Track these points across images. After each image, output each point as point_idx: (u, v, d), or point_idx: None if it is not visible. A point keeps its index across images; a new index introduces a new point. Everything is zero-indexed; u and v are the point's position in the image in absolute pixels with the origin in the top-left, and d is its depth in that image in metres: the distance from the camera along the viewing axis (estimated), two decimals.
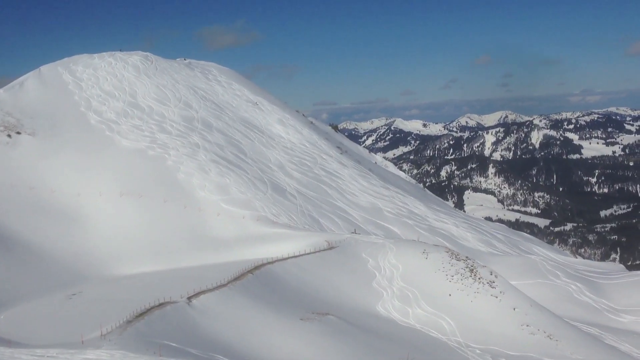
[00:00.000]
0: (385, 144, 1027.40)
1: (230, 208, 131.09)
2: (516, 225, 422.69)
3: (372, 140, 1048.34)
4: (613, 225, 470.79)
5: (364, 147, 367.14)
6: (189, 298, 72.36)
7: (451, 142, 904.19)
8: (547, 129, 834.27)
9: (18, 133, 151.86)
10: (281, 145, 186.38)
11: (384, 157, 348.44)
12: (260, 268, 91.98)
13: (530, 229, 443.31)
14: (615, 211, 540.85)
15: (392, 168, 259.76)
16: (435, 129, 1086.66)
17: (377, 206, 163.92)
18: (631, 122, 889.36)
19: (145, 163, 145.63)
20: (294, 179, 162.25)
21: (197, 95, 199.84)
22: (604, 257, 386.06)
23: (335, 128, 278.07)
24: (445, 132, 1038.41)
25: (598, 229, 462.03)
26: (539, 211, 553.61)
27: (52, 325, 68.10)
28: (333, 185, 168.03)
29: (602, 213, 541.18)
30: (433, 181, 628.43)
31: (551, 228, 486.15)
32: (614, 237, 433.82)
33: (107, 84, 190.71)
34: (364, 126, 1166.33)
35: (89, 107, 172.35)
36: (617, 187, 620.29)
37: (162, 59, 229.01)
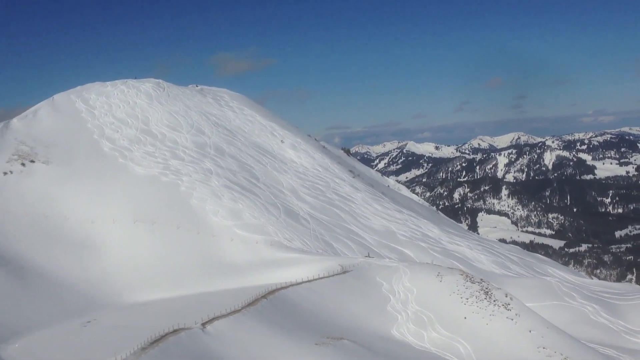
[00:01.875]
0: (397, 167, 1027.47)
1: (244, 233, 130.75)
2: (530, 247, 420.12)
3: (385, 164, 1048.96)
4: (628, 245, 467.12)
5: (376, 170, 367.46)
6: (203, 324, 72.21)
7: (464, 165, 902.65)
8: (560, 149, 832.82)
9: (32, 162, 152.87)
10: (293, 169, 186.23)
11: (397, 180, 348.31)
12: (274, 293, 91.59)
13: (545, 250, 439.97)
14: (630, 231, 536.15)
15: (405, 191, 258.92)
16: (448, 151, 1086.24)
17: (390, 229, 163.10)
18: None
19: (158, 189, 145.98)
20: (307, 203, 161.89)
21: (209, 121, 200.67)
22: (620, 278, 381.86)
23: (348, 152, 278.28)
24: (458, 154, 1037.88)
25: (613, 250, 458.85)
26: (553, 232, 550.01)
27: (67, 352, 68.01)
28: (346, 209, 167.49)
29: (617, 233, 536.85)
30: (446, 203, 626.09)
31: (566, 249, 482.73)
32: (630, 257, 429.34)
33: (120, 112, 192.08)
34: (376, 149, 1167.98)
35: (102, 134, 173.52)
36: (632, 207, 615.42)
37: (174, 85, 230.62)
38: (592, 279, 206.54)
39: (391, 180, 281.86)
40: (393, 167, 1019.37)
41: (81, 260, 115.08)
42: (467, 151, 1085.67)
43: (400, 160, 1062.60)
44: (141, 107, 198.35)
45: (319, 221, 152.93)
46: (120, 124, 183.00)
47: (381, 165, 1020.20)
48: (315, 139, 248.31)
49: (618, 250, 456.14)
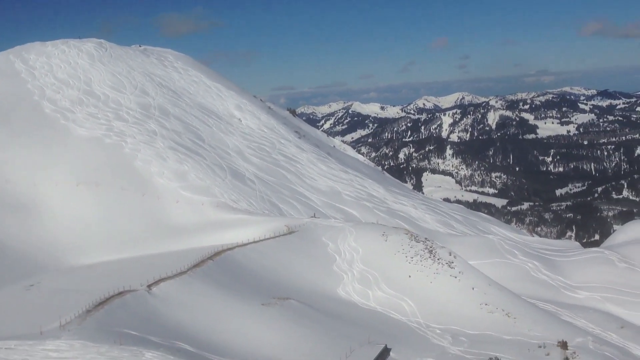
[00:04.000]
0: (343, 127, 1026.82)
1: (189, 195, 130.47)
2: (474, 206, 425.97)
3: (330, 124, 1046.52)
4: (568, 203, 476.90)
5: (322, 131, 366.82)
6: (149, 286, 71.94)
7: (409, 125, 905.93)
8: (503, 109, 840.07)
9: None
10: (239, 131, 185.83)
11: (343, 141, 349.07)
12: (220, 254, 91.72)
13: (488, 209, 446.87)
14: (570, 190, 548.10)
15: (350, 151, 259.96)
16: (393, 111, 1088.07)
17: (336, 190, 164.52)
18: (585, 102, 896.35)
19: (101, 151, 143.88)
20: (253, 165, 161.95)
21: (153, 82, 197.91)
22: (560, 235, 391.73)
23: (293, 112, 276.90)
24: (403, 114, 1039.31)
25: (554, 208, 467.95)
26: (496, 191, 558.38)
27: (9, 316, 66.96)
28: (292, 170, 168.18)
29: (558, 192, 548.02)
30: (391, 164, 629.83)
31: (508, 208, 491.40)
32: (570, 215, 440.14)
33: (61, 72, 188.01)
34: (322, 110, 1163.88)
35: (43, 95, 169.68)
36: (572, 166, 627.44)
37: (116, 46, 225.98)
38: (533, 236, 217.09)
39: (337, 141, 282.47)
40: (339, 128, 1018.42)
41: (24, 224, 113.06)
42: (412, 111, 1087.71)
43: (346, 121, 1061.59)
44: (83, 67, 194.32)
45: (264, 182, 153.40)
46: (61, 84, 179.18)
47: (327, 125, 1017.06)
48: (261, 100, 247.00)
49: (558, 208, 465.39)
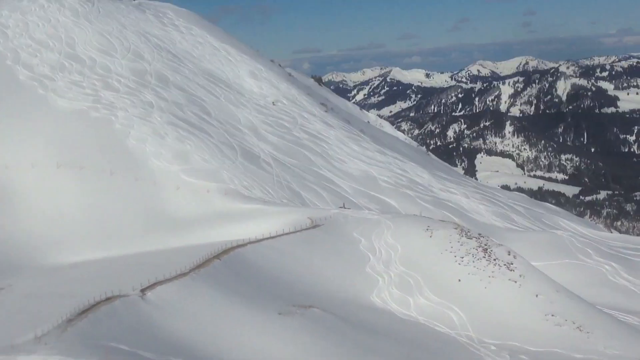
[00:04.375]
0: (380, 99, 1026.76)
1: (192, 180, 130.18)
2: (539, 195, 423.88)
3: (364, 95, 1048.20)
4: None
5: (354, 103, 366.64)
6: (143, 290, 71.78)
7: (460, 96, 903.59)
8: (576, 77, 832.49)
9: None
10: (253, 102, 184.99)
11: (379, 115, 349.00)
12: (229, 252, 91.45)
13: (556, 198, 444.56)
14: None
15: (388, 128, 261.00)
16: (441, 79, 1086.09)
17: (370, 175, 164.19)
18: None
19: (87, 127, 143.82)
20: (270, 144, 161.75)
21: (149, 43, 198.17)
22: None
23: (319, 81, 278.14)
24: (453, 83, 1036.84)
25: (638, 198, 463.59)
26: (567, 177, 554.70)
27: None
28: (317, 151, 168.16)
29: None
30: (438, 143, 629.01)
31: (581, 197, 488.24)
32: None
33: (39, 32, 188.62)
34: (354, 78, 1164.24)
35: (17, 59, 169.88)
36: None
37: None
38: (611, 232, 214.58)
39: (372, 115, 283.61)
40: (374, 99, 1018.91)
41: None
42: (464, 79, 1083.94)
43: (383, 91, 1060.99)
44: (65, 26, 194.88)
45: (284, 165, 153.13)
46: (39, 46, 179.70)
47: (360, 96, 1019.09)
48: (280, 66, 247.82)
49: None
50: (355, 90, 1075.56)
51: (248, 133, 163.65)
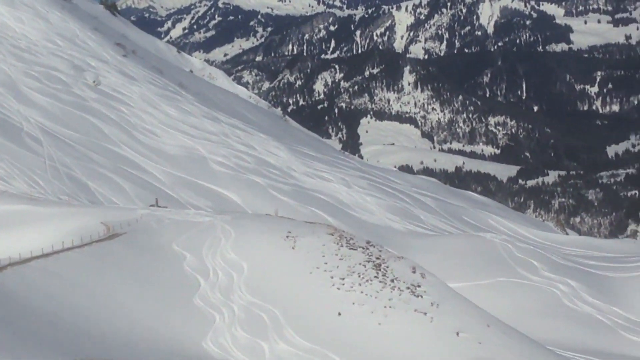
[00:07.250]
0: (209, 34, 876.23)
1: None
2: (457, 179, 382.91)
3: (184, 29, 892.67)
4: (630, 171, 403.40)
5: (168, 42, 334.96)
6: None
7: (332, 29, 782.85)
8: None
9: None
10: (7, 44, 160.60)
11: (208, 61, 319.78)
12: None
13: (483, 184, 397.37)
14: (633, 145, 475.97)
15: (223, 80, 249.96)
16: (303, 3, 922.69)
17: (197, 154, 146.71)
18: None
19: None
20: (37, 109, 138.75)
21: None
22: (617, 231, 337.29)
23: (113, 7, 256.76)
24: (322, 8, 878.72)
25: (604, 180, 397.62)
26: (498, 151, 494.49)
27: None
28: (112, 118, 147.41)
29: (611, 150, 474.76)
30: (301, 103, 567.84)
31: (520, 181, 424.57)
32: (634, 192, 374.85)
33: None
34: (168, 2, 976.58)
35: None
36: (636, 102, 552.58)
37: None
38: (567, 233, 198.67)
39: (197, 61, 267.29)
40: (200, 36, 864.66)
41: None
42: (338, 2, 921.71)
43: (214, 22, 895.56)
44: None
45: (60, 141, 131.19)
46: None
47: (177, 31, 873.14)
48: None
49: (613, 180, 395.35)
50: (169, 22, 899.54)
51: (1, 92, 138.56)
